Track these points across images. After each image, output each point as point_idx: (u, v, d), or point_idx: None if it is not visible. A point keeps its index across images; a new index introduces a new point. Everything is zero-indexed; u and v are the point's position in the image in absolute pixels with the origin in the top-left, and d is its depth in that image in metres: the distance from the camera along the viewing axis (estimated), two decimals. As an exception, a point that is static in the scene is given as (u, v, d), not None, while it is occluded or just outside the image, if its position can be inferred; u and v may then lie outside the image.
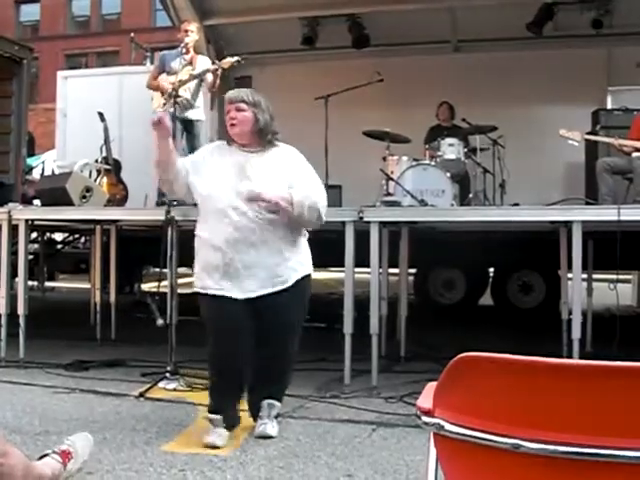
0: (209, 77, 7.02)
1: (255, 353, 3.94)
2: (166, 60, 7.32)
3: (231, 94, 4.08)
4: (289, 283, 3.94)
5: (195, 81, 7.08)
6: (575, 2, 9.15)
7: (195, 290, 4.01)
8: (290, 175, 3.96)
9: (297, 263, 4.01)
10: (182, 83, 6.94)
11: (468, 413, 1.59)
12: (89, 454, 3.44)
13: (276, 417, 4.14)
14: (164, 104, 6.75)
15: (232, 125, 4.00)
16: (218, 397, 4.02)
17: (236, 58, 6.68)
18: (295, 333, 4.10)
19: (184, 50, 7.19)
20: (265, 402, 4.07)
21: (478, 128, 7.82)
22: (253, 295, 3.87)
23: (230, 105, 4.01)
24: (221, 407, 3.98)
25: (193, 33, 7.34)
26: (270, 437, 3.97)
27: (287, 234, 3.94)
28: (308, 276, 4.09)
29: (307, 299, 4.11)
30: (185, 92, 7.07)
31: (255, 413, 4.11)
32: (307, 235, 4.15)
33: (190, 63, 7.18)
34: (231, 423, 4.00)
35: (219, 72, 6.87)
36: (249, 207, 3.81)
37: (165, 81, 7.06)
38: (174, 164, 4.00)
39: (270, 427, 4.03)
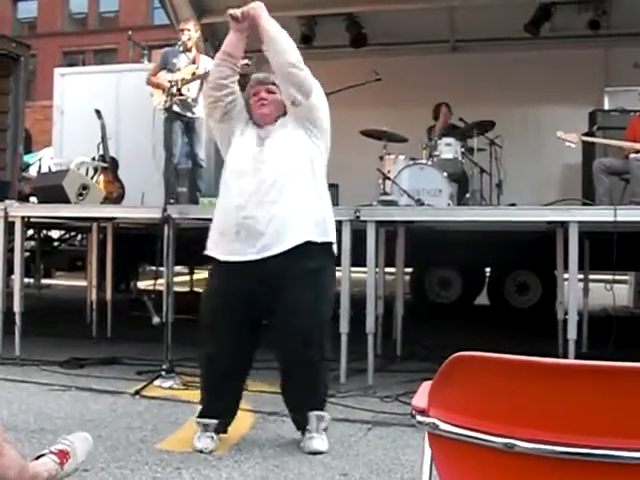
0: None
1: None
2: (168, 57, 7.37)
3: (261, 76, 4.07)
4: None
5: (198, 80, 7.09)
6: (572, 3, 9.17)
7: None
8: (297, 125, 3.93)
9: None
10: (185, 82, 6.93)
11: (462, 412, 1.59)
12: (87, 455, 3.42)
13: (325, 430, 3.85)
14: (165, 101, 6.72)
15: (262, 105, 3.97)
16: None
17: (245, 61, 6.57)
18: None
19: (181, 48, 7.23)
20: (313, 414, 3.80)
21: (476, 124, 7.78)
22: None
23: (260, 86, 4.00)
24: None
25: (190, 31, 7.38)
26: (320, 452, 3.71)
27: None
28: None
29: None
30: (188, 92, 7.09)
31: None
32: None
33: (193, 62, 7.20)
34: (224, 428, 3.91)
35: None
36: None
37: (164, 78, 7.06)
38: (235, 67, 3.97)
39: (319, 442, 3.76)
